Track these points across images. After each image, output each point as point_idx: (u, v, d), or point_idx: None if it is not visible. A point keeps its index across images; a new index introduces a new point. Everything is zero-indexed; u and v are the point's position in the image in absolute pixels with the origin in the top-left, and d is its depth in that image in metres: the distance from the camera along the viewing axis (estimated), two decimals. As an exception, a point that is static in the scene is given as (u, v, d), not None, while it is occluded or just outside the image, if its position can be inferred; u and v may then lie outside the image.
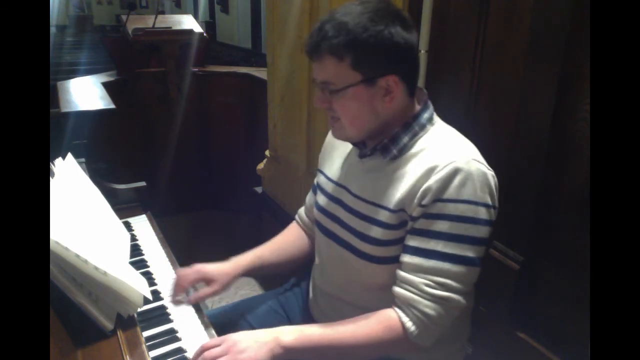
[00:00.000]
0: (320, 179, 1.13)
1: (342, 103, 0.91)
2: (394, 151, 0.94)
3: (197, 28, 2.93)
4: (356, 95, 0.89)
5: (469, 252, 0.87)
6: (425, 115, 0.95)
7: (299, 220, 1.27)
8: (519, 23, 1.20)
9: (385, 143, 0.94)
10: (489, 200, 0.88)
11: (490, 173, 0.89)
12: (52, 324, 0.87)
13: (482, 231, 0.87)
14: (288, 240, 1.23)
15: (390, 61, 0.88)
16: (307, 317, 1.19)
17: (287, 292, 1.27)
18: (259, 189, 2.60)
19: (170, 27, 2.90)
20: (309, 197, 1.23)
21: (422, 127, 0.94)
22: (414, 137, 0.94)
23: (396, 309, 0.90)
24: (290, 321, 1.20)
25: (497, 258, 1.29)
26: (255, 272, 1.17)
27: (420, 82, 1.51)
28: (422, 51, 1.48)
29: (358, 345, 0.89)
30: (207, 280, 1.09)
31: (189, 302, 1.05)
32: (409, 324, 0.87)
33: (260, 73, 2.91)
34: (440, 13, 1.42)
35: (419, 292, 0.87)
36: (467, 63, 1.36)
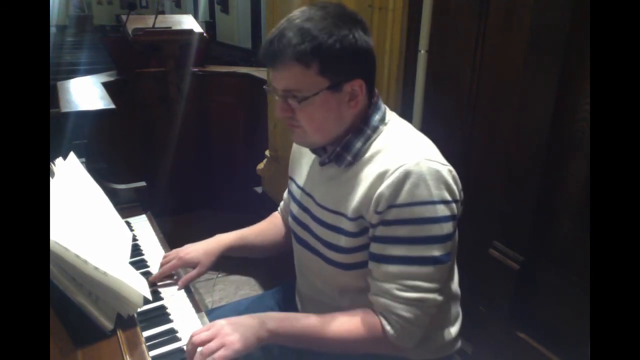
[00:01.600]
0: (292, 188, 1.13)
1: (308, 110, 0.89)
2: (348, 158, 0.93)
3: (197, 28, 2.93)
4: (323, 101, 0.88)
5: (434, 251, 0.86)
6: (377, 117, 0.94)
7: (279, 210, 1.31)
8: (519, 23, 1.20)
9: (338, 151, 0.94)
10: (447, 196, 0.86)
11: (445, 168, 0.88)
12: (52, 324, 0.87)
13: (445, 228, 0.87)
14: (270, 226, 1.27)
15: (355, 66, 0.88)
16: None
17: (285, 291, 1.28)
18: (259, 189, 2.60)
19: (170, 27, 2.89)
20: (285, 194, 1.25)
21: (375, 130, 0.94)
22: (367, 140, 0.93)
23: (378, 316, 0.91)
24: None
25: (497, 258, 1.29)
26: (237, 252, 1.21)
27: (420, 82, 1.52)
28: (422, 51, 1.48)
29: (340, 339, 0.91)
30: (192, 265, 1.14)
31: (178, 287, 1.10)
32: (388, 327, 0.89)
33: (260, 73, 2.91)
34: (440, 13, 1.42)
35: (392, 298, 0.88)
36: (467, 63, 1.36)
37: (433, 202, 0.85)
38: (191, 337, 0.88)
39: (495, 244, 1.30)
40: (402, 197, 0.84)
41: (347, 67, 0.88)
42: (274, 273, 2.32)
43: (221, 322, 0.89)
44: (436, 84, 1.49)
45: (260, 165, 2.47)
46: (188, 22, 3.01)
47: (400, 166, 0.85)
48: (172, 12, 10.00)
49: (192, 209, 3.18)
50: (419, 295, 0.87)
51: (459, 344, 1.08)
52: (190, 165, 3.12)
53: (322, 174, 1.00)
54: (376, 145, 0.93)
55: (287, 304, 1.24)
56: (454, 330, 1.05)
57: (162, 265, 1.14)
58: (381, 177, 0.86)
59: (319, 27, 0.85)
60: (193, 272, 1.13)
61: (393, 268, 0.87)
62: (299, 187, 1.09)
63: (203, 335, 0.86)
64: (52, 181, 1.08)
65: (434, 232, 0.86)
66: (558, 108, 1.10)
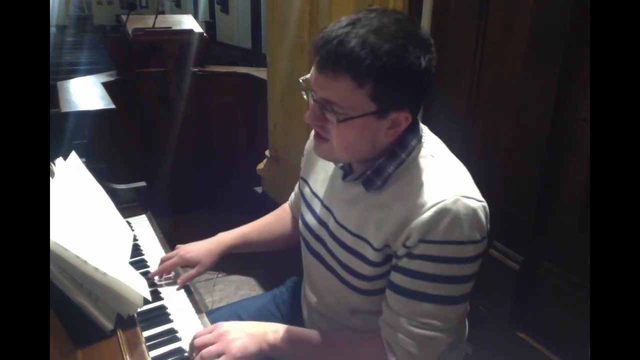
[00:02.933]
0: (305, 190, 1.08)
1: (344, 129, 0.80)
2: (378, 182, 0.87)
3: (197, 28, 2.93)
4: (362, 125, 0.79)
5: (454, 291, 0.83)
6: (413, 142, 0.87)
7: (290, 203, 1.28)
8: (519, 23, 1.20)
9: (369, 175, 0.87)
10: (477, 236, 0.81)
11: (480, 205, 0.82)
12: (52, 324, 0.87)
13: (469, 269, 0.83)
14: (276, 220, 1.25)
15: (411, 95, 0.80)
16: (301, 318, 1.19)
17: (285, 292, 1.27)
18: (259, 189, 2.60)
19: (170, 27, 2.89)
20: (297, 189, 1.22)
21: (409, 154, 0.86)
22: (400, 165, 0.86)
23: (385, 344, 0.88)
24: (285, 322, 1.21)
25: (497, 258, 1.29)
26: (240, 250, 1.20)
27: (420, 82, 1.51)
28: (422, 51, 1.48)
29: None
30: (192, 264, 1.14)
31: (178, 287, 1.11)
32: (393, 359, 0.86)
33: (260, 73, 2.91)
34: (440, 13, 1.42)
35: (404, 332, 0.85)
36: (467, 63, 1.36)
37: (463, 243, 0.80)
38: (194, 337, 0.87)
39: (495, 244, 1.30)
40: (435, 235, 0.79)
41: (402, 96, 0.79)
42: (274, 273, 2.32)
43: (225, 326, 0.88)
44: (436, 84, 1.49)
45: (260, 165, 2.47)
46: (188, 22, 3.01)
47: (438, 203, 0.79)
48: (172, 12, 9.99)
49: (192, 209, 3.19)
50: (431, 334, 0.83)
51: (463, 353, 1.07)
52: (190, 165, 3.12)
53: (344, 190, 0.93)
54: (409, 171, 0.85)
55: (287, 305, 1.24)
56: (463, 347, 1.03)
57: (162, 261, 1.15)
58: (416, 210, 0.80)
59: (387, 47, 0.74)
60: (192, 271, 1.13)
61: (410, 302, 0.83)
62: (314, 194, 1.03)
63: (205, 338, 0.86)
64: (52, 181, 1.08)
65: (458, 273, 0.82)
66: (558, 108, 1.10)
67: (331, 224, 0.96)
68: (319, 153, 0.90)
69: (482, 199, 0.84)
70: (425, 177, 0.84)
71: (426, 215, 0.79)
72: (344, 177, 0.93)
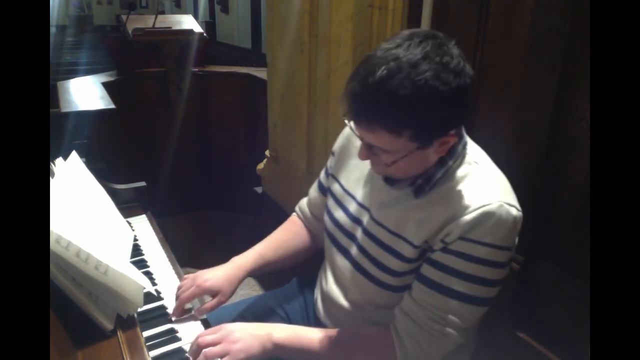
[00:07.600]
0: (334, 187, 1.07)
1: (394, 166, 0.84)
2: (427, 189, 0.88)
3: (197, 28, 2.94)
4: (412, 158, 0.82)
5: (480, 293, 0.85)
6: (459, 148, 0.89)
7: (300, 214, 1.23)
8: (519, 23, 1.20)
9: (420, 184, 0.88)
10: (510, 244, 0.85)
11: (518, 215, 0.85)
12: (52, 324, 0.87)
13: (498, 274, 0.85)
14: (290, 235, 1.19)
15: (451, 122, 0.80)
16: (307, 317, 1.19)
17: (287, 291, 1.27)
18: (259, 189, 2.60)
19: (170, 27, 2.90)
20: (315, 193, 1.18)
21: (455, 160, 0.88)
22: (447, 170, 0.88)
23: (393, 334, 0.89)
24: (290, 321, 1.20)
25: (497, 258, 1.29)
26: (258, 272, 1.12)
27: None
28: (422, 51, 1.48)
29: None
30: (212, 294, 1.03)
31: (196, 316, 1.01)
32: (399, 352, 0.87)
33: (260, 73, 2.91)
34: (440, 13, 1.42)
35: (419, 322, 0.86)
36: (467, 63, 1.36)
37: (499, 247, 0.83)
38: (197, 337, 0.87)
39: (495, 244, 1.30)
40: (474, 234, 0.82)
41: (441, 127, 0.79)
42: (274, 273, 2.32)
43: (229, 327, 0.88)
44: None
45: (260, 165, 2.47)
46: (188, 22, 3.02)
47: (484, 205, 0.82)
48: (172, 12, 9.99)
49: (192, 209, 3.19)
50: (446, 330, 0.85)
51: None
52: (190, 165, 3.13)
53: (385, 190, 0.94)
54: (453, 175, 0.88)
55: (288, 304, 1.23)
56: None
57: (178, 295, 1.02)
58: (460, 211, 0.83)
59: (413, 89, 0.72)
60: (213, 302, 1.02)
61: (434, 295, 0.85)
62: (346, 191, 1.03)
63: (209, 338, 0.86)
64: (52, 181, 1.08)
65: (487, 275, 0.84)
66: (558, 108, 1.10)
67: (367, 221, 0.97)
68: (377, 171, 0.91)
69: (520, 208, 0.86)
70: (470, 181, 0.86)
71: (470, 215, 0.82)
72: (391, 183, 0.92)
